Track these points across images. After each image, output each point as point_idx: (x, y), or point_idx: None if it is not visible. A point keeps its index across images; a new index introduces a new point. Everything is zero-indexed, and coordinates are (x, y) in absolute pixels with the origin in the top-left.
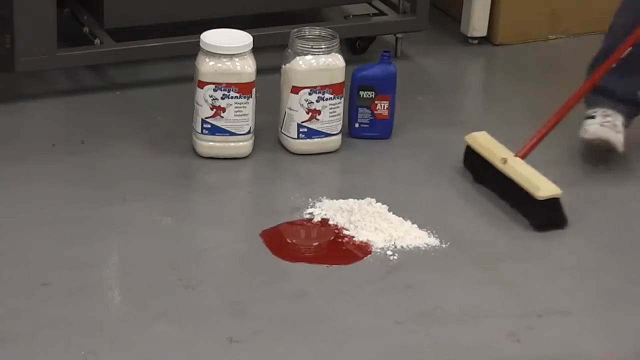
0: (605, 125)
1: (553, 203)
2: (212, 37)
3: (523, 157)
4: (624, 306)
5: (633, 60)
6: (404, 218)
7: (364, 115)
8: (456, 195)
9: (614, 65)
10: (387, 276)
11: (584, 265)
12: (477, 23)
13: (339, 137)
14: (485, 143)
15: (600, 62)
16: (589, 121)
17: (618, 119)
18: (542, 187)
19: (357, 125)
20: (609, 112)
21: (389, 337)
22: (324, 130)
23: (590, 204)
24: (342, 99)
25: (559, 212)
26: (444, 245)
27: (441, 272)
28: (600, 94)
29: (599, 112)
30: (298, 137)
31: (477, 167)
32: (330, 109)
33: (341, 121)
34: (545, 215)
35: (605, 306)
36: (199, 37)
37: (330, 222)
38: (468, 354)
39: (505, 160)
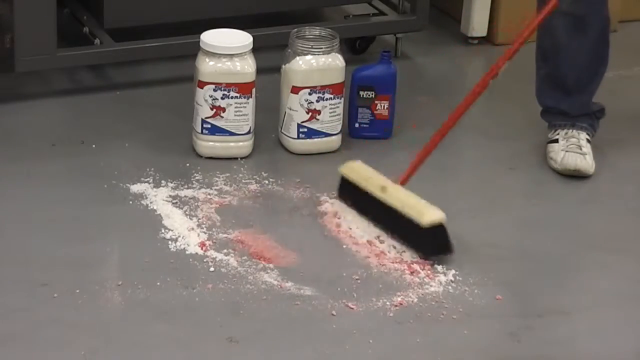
0: (570, 149)
1: (439, 230)
2: (212, 37)
3: (403, 183)
4: (624, 306)
5: (570, 79)
6: None
7: (364, 115)
8: (456, 195)
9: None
10: (386, 276)
11: (584, 265)
12: (477, 23)
13: (339, 137)
14: (362, 172)
15: (540, 88)
16: (554, 146)
17: (582, 137)
18: (426, 213)
19: (357, 125)
20: (571, 132)
21: (389, 337)
22: (324, 130)
23: (585, 201)
24: (342, 99)
25: (445, 239)
26: None
27: (441, 271)
28: (557, 114)
29: (561, 133)
30: (298, 137)
31: (355, 197)
32: (330, 109)
33: (341, 121)
34: (432, 243)
35: (605, 306)
36: (199, 37)
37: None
38: (468, 354)
39: (384, 189)
